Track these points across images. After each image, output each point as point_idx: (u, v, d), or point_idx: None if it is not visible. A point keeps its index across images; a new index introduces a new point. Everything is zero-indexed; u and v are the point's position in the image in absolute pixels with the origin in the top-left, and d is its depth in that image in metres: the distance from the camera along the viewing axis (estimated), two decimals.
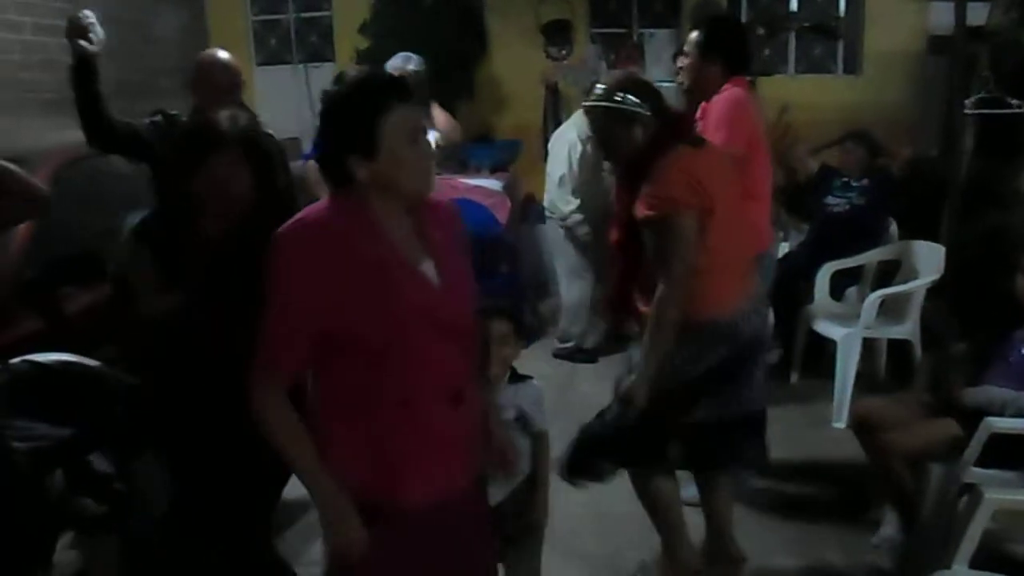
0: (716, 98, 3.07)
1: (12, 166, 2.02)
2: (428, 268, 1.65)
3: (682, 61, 3.26)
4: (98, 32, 2.70)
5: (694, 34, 3.16)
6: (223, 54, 3.08)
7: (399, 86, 1.62)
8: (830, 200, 4.71)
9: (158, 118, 2.98)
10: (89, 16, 2.70)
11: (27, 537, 2.15)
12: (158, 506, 2.64)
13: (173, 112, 3.02)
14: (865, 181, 4.69)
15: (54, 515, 2.32)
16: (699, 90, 3.14)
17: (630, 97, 2.39)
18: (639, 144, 2.38)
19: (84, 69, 2.72)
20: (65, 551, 2.55)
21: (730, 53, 3.13)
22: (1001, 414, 2.59)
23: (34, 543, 2.24)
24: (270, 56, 7.82)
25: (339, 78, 3.73)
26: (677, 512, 2.59)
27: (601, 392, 2.80)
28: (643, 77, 2.72)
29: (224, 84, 2.99)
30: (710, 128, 3.01)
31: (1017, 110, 4.68)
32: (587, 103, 2.49)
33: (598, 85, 2.47)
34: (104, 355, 2.88)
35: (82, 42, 2.67)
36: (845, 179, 4.71)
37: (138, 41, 6.33)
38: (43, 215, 2.34)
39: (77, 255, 3.08)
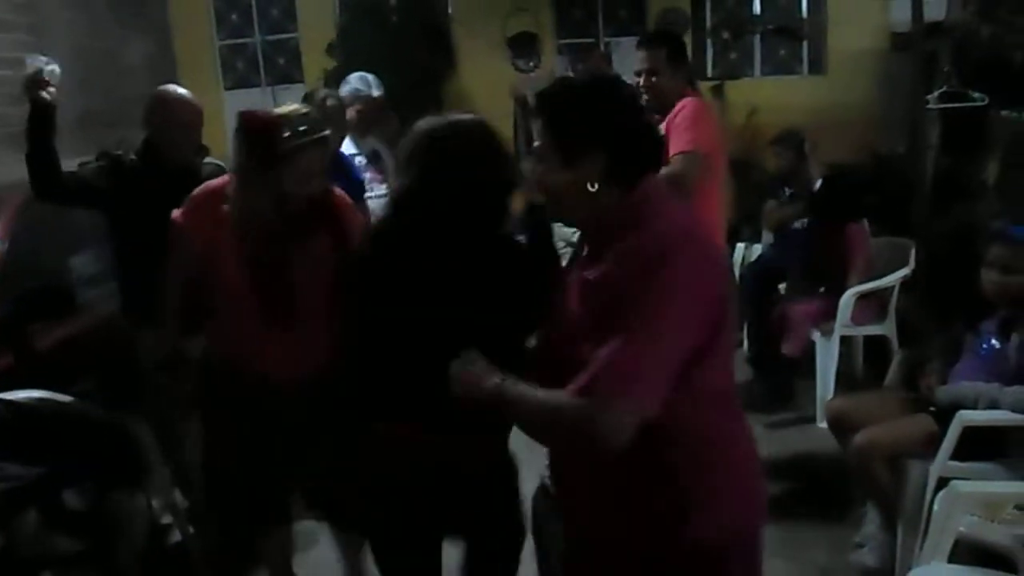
0: (681, 107, 3.09)
1: None
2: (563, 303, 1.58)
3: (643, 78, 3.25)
4: (56, 76, 2.72)
5: (651, 52, 3.15)
6: (182, 90, 3.04)
7: None
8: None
9: (102, 162, 2.95)
10: (45, 63, 2.72)
11: None
12: (138, 540, 2.62)
13: (117, 152, 2.98)
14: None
15: (29, 555, 2.29)
16: (666, 105, 3.14)
17: None
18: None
19: (42, 121, 2.71)
20: None
21: (688, 66, 3.24)
22: (974, 407, 2.61)
23: None
24: (238, 80, 7.79)
25: (306, 99, 3.73)
26: None
27: None
28: None
29: (185, 120, 2.95)
30: (677, 131, 3.03)
31: (979, 103, 4.76)
32: (310, 138, 2.26)
33: (299, 120, 2.26)
34: (79, 390, 2.86)
35: (43, 94, 2.69)
36: (792, 190, 4.70)
37: (105, 71, 6.29)
38: None
39: (46, 289, 3.07)
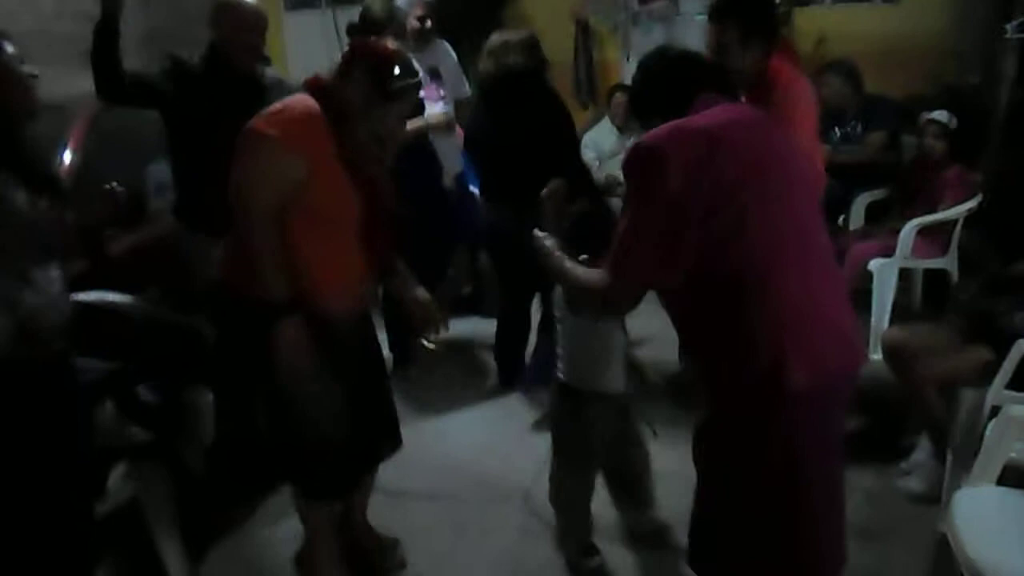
0: (778, 86, 2.73)
1: None
2: None
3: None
4: None
5: (716, 26, 2.76)
6: None
7: None
8: (838, 151, 4.49)
9: (167, 65, 2.98)
10: None
11: (81, 464, 2.25)
12: (206, 437, 2.76)
13: (183, 57, 3.01)
14: (858, 127, 4.53)
15: (105, 443, 2.43)
16: (743, 84, 2.74)
17: None
18: None
19: (108, 19, 2.75)
20: (119, 481, 2.66)
21: (771, 32, 2.80)
22: None
23: (88, 471, 2.35)
24: (299, 0, 7.77)
25: (366, 10, 3.75)
26: None
27: None
28: None
29: (249, 26, 2.95)
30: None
31: None
32: (414, 80, 2.24)
33: (404, 59, 2.22)
34: (150, 294, 2.98)
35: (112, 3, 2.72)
36: (845, 129, 4.54)
37: None
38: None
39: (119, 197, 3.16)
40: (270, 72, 3.12)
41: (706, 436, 1.85)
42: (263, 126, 2.10)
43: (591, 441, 2.57)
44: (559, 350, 2.58)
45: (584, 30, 6.37)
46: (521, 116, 3.45)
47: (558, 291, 2.51)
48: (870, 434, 3.29)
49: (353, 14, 7.40)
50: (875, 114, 4.62)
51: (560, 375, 2.59)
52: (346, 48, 2.25)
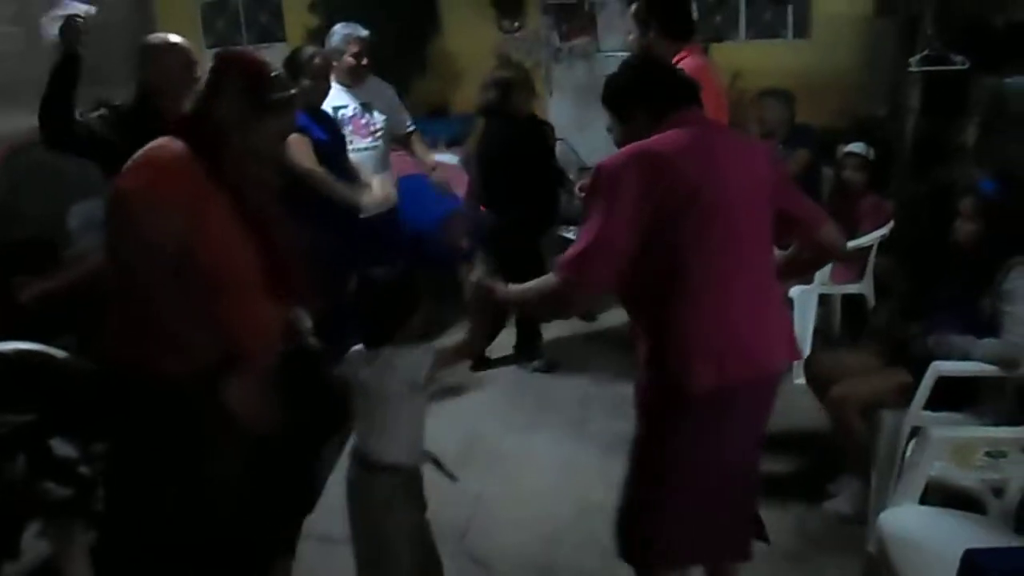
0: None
1: None
2: None
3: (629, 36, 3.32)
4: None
5: (632, 6, 3.24)
6: (174, 37, 2.97)
7: None
8: None
9: (103, 111, 2.88)
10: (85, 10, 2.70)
11: None
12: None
13: (117, 103, 2.93)
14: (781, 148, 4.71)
15: (18, 500, 2.31)
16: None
17: None
18: None
19: (68, 69, 2.68)
20: (34, 540, 2.53)
21: (667, 20, 3.18)
22: (948, 359, 2.67)
23: None
24: (219, 39, 7.70)
25: (293, 55, 3.70)
26: None
27: None
28: None
29: (180, 67, 2.88)
30: None
31: (960, 67, 4.78)
32: (291, 93, 2.09)
33: (277, 72, 2.09)
34: (62, 343, 2.86)
35: (76, 43, 2.66)
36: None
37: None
38: None
39: (30, 242, 3.05)
40: None
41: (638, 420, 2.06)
42: (124, 183, 1.91)
43: (389, 528, 2.13)
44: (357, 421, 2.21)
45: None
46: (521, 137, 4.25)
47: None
48: (798, 458, 3.36)
49: (274, 53, 7.36)
50: (798, 141, 4.78)
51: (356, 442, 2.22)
52: (212, 63, 2.04)
